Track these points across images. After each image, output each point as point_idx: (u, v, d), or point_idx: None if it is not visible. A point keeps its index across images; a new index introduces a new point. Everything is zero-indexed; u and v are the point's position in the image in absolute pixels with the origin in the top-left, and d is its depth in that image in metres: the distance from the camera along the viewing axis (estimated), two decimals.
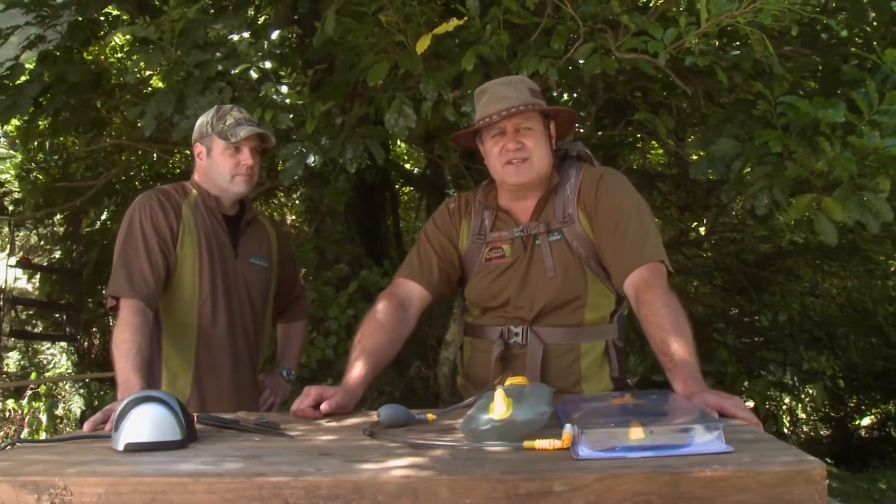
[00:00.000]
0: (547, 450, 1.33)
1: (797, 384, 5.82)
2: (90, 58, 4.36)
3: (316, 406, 1.78)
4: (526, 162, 2.01)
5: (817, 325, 5.67)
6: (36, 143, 4.81)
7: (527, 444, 1.35)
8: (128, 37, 4.99)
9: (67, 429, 6.15)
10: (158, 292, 2.18)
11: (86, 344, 7.10)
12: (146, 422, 1.45)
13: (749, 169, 3.06)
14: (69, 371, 7.02)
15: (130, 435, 1.44)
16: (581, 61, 2.90)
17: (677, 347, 1.70)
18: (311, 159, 3.05)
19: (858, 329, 5.46)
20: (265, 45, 3.15)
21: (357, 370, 1.90)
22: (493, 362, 2.03)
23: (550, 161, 2.06)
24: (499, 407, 1.41)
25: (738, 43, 3.48)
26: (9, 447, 1.53)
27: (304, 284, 3.08)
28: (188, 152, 5.12)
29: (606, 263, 1.99)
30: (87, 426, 1.71)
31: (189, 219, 2.29)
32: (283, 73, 3.07)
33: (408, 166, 7.11)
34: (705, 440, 1.30)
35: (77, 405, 6.06)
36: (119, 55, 5.26)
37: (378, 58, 3.07)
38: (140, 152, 4.93)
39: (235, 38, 3.15)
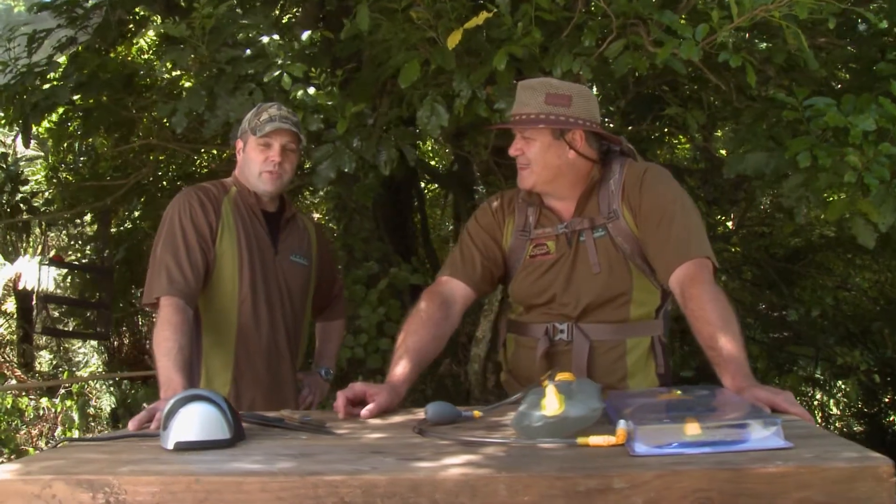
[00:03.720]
0: (601, 446, 1.32)
1: (828, 380, 5.74)
2: (120, 58, 4.39)
3: (357, 402, 1.77)
4: (526, 169, 2.03)
5: (850, 319, 5.59)
6: (66, 144, 4.86)
7: (580, 440, 1.34)
8: (154, 37, 5.03)
9: (99, 427, 6.21)
10: (198, 290, 2.18)
11: (115, 343, 7.16)
12: (195, 421, 1.45)
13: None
14: (101, 370, 7.09)
15: (179, 434, 1.44)
16: (617, 57, 2.86)
17: (725, 342, 1.68)
18: (345, 165, 3.03)
19: (894, 323, 5.38)
20: (295, 47, 3.14)
21: (401, 368, 1.89)
22: (538, 359, 2.02)
23: (560, 167, 2.02)
24: (551, 403, 1.40)
25: (766, 35, 3.43)
26: (59, 445, 1.54)
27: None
28: (215, 151, 5.16)
29: (651, 259, 1.97)
30: (132, 425, 1.71)
31: (228, 216, 2.29)
32: (312, 74, 3.05)
33: (432, 163, 7.08)
34: (762, 436, 1.28)
35: (108, 403, 6.11)
36: (146, 56, 5.29)
37: (408, 55, 3.05)
38: (168, 151, 4.95)
39: (266, 39, 3.14)
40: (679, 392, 1.63)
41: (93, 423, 6.00)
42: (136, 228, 5.23)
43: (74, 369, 6.95)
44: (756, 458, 1.19)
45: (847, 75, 3.25)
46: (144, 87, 4.38)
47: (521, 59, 2.99)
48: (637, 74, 3.40)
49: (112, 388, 6.08)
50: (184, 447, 1.43)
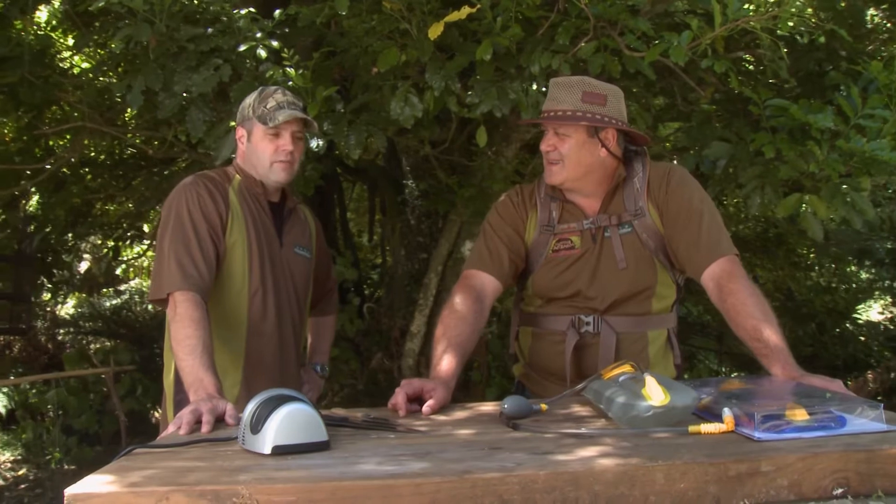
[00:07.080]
0: (713, 433, 1.37)
1: (729, 373, 6.14)
2: (23, 32, 3.99)
3: (414, 398, 1.74)
4: (558, 164, 2.07)
5: None
6: None
7: (692, 428, 1.38)
8: (57, 12, 4.61)
9: None
10: (211, 283, 2.05)
11: (5, 339, 6.46)
12: (294, 423, 1.37)
13: (734, 168, 3.22)
14: None
15: (278, 437, 1.35)
16: (590, 57, 2.94)
17: (769, 334, 1.79)
18: (315, 144, 2.95)
19: (796, 319, 5.85)
20: (268, 24, 3.00)
21: (446, 363, 1.87)
22: (567, 352, 2.05)
23: (592, 165, 2.07)
24: (657, 394, 1.43)
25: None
26: (127, 452, 1.41)
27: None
28: (181, 142, 4.75)
29: (678, 256, 2.04)
30: (183, 430, 1.59)
31: (236, 205, 2.17)
32: (285, 55, 2.94)
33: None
34: (862, 420, 1.38)
35: (1, 403, 5.51)
36: (41, 33, 4.84)
37: (384, 44, 3.00)
38: (69, 136, 4.57)
39: (243, 11, 2.98)
40: (738, 381, 1.71)
41: None
42: (46, 218, 4.77)
43: None
44: (882, 440, 1.28)
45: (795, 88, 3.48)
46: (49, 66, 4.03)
47: (499, 55, 3.02)
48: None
49: (7, 389, 5.49)
50: (283, 451, 1.34)
